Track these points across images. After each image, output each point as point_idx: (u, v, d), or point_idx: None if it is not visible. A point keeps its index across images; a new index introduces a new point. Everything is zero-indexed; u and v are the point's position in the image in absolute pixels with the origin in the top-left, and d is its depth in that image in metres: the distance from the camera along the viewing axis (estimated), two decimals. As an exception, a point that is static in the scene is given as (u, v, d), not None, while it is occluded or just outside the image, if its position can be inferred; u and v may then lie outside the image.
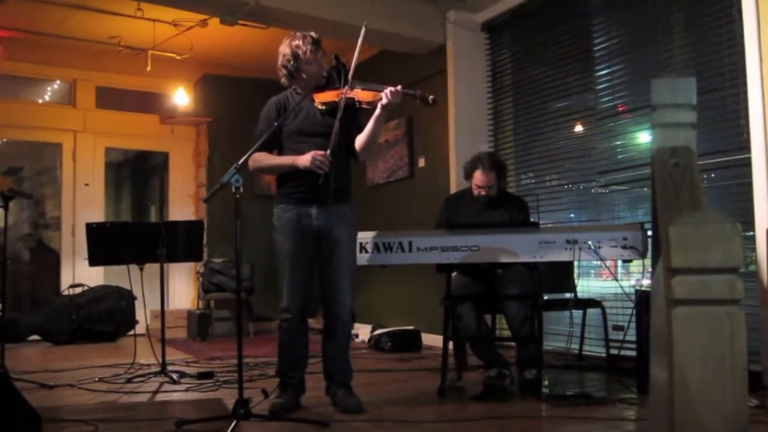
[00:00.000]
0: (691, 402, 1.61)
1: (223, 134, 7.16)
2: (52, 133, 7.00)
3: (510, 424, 2.95)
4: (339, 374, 3.26)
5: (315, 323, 4.81)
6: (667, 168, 1.84)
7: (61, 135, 7.00)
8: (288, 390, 3.20)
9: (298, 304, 3.18)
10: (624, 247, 3.29)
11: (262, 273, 6.76)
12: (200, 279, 6.87)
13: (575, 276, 4.26)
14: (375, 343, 5.59)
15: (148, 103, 7.39)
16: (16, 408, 2.56)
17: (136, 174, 8.32)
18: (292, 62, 3.18)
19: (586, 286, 4.59)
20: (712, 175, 3.89)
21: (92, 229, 4.27)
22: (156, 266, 4.24)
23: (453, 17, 5.53)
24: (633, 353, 3.67)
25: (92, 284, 6.51)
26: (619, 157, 4.55)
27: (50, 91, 7.26)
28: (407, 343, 5.44)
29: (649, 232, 3.05)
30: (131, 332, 5.80)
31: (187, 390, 3.77)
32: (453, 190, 5.13)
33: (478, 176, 3.83)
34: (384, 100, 3.10)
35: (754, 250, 3.52)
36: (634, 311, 3.58)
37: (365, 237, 3.43)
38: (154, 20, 5.95)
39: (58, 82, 7.20)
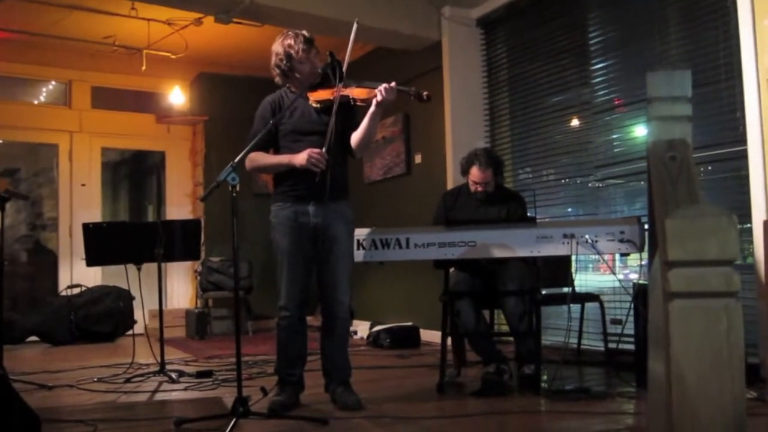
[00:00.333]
0: (688, 395, 1.61)
1: (220, 133, 7.14)
2: (48, 134, 6.98)
3: (509, 420, 2.95)
4: (338, 371, 3.26)
5: (313, 321, 4.81)
6: (663, 161, 1.84)
7: (57, 136, 6.98)
8: (287, 388, 3.20)
9: (297, 302, 3.17)
10: (621, 241, 3.30)
11: (260, 271, 6.76)
12: (198, 278, 6.86)
13: (573, 270, 4.26)
14: (374, 339, 5.59)
15: (143, 102, 7.38)
16: (14, 409, 2.56)
17: (133, 174, 8.30)
18: (285, 62, 3.18)
19: (584, 280, 4.60)
20: (709, 167, 3.89)
21: (89, 230, 4.27)
22: (154, 266, 4.24)
23: (448, 13, 5.52)
24: (631, 347, 3.66)
25: (90, 284, 6.49)
26: (615, 151, 4.55)
27: (46, 92, 7.23)
28: (406, 339, 5.44)
29: (646, 226, 3.05)
30: (130, 332, 5.80)
31: (186, 389, 3.77)
32: (450, 186, 5.13)
33: (475, 172, 3.83)
34: (378, 97, 3.10)
35: (750, 242, 3.53)
36: (632, 305, 3.58)
37: (362, 234, 3.44)
38: (149, 19, 5.95)
39: (53, 82, 7.17)
